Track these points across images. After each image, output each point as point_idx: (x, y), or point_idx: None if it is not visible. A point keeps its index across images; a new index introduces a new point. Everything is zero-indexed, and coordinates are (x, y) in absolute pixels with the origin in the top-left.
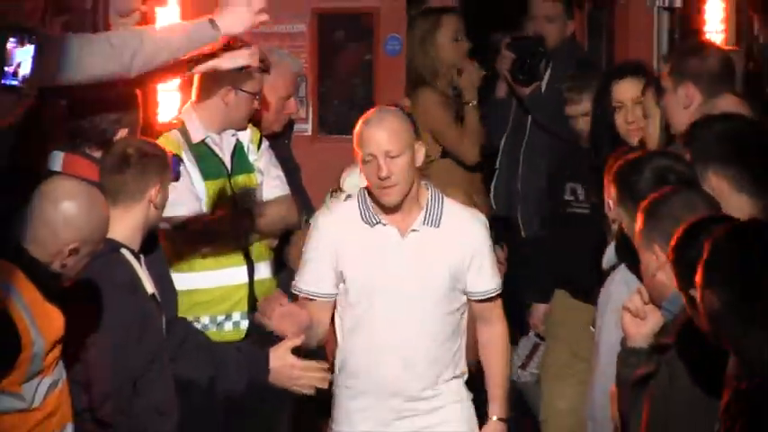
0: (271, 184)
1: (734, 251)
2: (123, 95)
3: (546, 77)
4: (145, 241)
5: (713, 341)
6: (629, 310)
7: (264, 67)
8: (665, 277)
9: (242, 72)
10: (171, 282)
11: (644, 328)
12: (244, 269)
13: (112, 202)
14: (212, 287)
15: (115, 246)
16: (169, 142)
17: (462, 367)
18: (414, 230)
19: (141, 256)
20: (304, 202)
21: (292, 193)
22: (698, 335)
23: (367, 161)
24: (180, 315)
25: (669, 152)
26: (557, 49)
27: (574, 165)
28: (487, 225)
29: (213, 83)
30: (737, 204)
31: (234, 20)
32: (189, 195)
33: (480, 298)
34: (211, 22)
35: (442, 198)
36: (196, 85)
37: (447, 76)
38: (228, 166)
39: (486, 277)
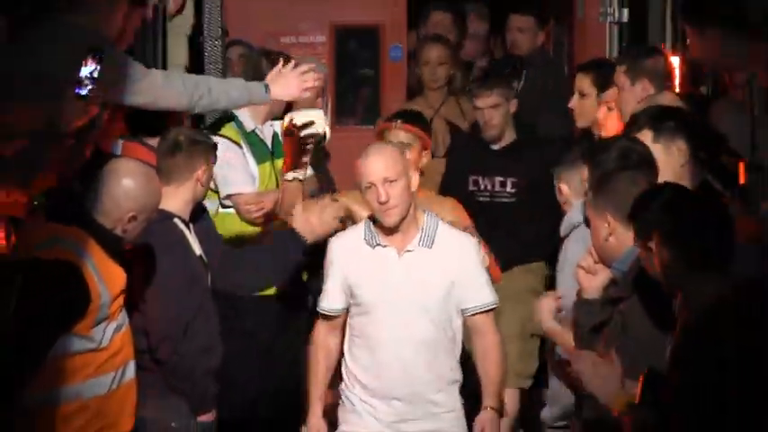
0: None
1: (682, 211)
2: None
3: (521, 84)
4: (194, 212)
5: (663, 283)
6: (582, 268)
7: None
8: (615, 241)
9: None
10: (218, 241)
11: (596, 281)
12: None
13: (166, 180)
14: None
15: (169, 215)
16: (230, 131)
17: (457, 376)
18: (408, 251)
19: (191, 224)
20: (327, 177)
21: (318, 171)
22: (650, 284)
23: (368, 188)
24: None
25: (632, 137)
26: (529, 57)
27: (473, 157)
28: (478, 246)
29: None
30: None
31: (284, 88)
32: (248, 177)
33: (472, 312)
34: (266, 86)
35: (438, 222)
36: None
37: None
38: (271, 151)
39: (476, 293)
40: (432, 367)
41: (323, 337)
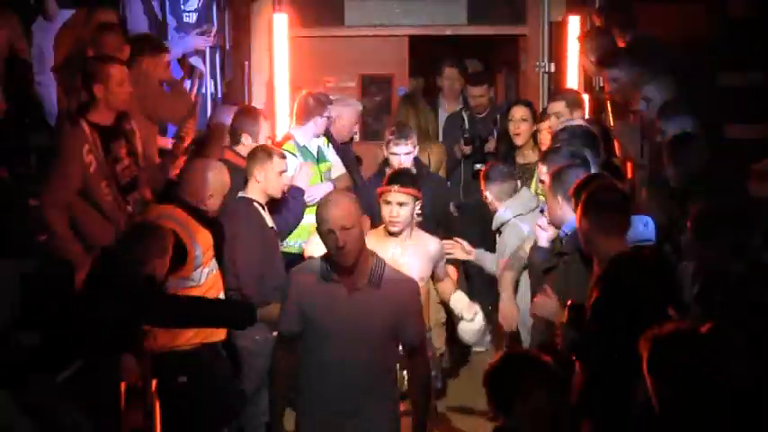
0: (338, 167)
1: (595, 194)
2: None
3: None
4: (270, 201)
5: (583, 245)
6: (539, 226)
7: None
8: (562, 213)
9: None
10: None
11: (548, 234)
12: None
13: (248, 177)
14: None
15: (250, 200)
16: (289, 147)
17: (394, 397)
18: (357, 289)
19: (266, 207)
20: (357, 175)
21: (351, 172)
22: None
23: (327, 234)
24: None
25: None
26: (486, 112)
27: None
28: (418, 288)
29: (307, 114)
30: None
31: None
32: (305, 178)
33: (408, 346)
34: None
35: (384, 264)
36: (296, 115)
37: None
38: (316, 158)
39: (411, 330)
40: (372, 389)
41: (282, 355)
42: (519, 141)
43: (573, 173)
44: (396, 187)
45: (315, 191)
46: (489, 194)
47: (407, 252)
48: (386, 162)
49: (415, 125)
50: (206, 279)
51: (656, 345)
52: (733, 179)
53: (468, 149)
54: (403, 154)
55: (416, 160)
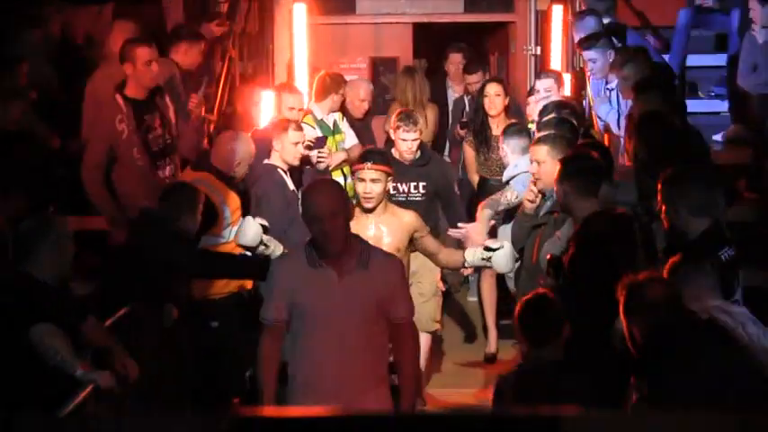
0: (350, 138)
1: (572, 161)
2: None
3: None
4: (292, 168)
5: (561, 206)
6: (527, 199)
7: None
8: (549, 182)
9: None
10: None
11: (535, 202)
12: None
13: (275, 147)
14: None
15: (274, 166)
16: (309, 120)
17: (385, 376)
18: (347, 272)
19: (288, 172)
20: (370, 143)
21: (365, 143)
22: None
23: (313, 221)
24: None
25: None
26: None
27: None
28: (403, 264)
29: (325, 92)
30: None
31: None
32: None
33: (396, 322)
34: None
35: (369, 246)
36: (314, 92)
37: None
38: (332, 130)
39: (401, 306)
40: (364, 370)
41: (269, 344)
42: (492, 112)
43: (565, 143)
44: (368, 164)
45: (332, 156)
46: (506, 147)
47: (383, 226)
48: (391, 144)
49: (412, 94)
50: (234, 237)
51: (632, 289)
52: (698, 146)
53: (464, 133)
54: (411, 140)
55: (422, 144)
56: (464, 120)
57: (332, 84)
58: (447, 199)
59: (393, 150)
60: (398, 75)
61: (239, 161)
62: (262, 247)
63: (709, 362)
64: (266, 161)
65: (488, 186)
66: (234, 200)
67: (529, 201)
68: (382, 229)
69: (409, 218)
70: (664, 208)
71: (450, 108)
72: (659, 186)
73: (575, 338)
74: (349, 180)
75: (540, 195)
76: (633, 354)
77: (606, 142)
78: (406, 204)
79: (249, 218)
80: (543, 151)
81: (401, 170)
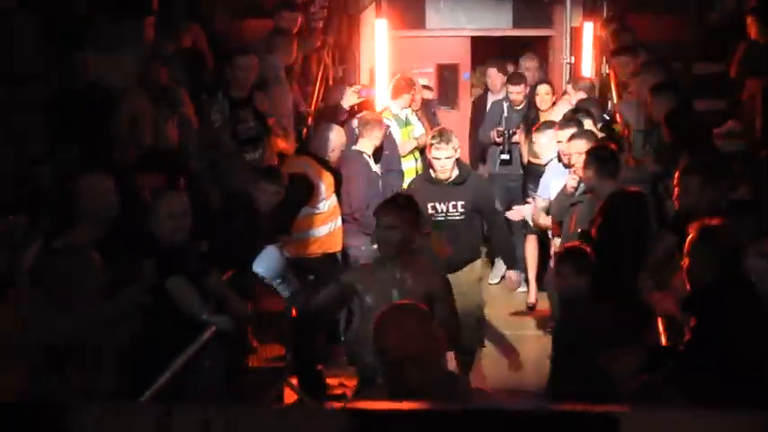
0: (419, 128)
1: (596, 151)
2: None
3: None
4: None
5: (587, 187)
6: (571, 186)
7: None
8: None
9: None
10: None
11: (576, 187)
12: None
13: (362, 136)
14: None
15: (361, 152)
16: (387, 114)
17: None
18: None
19: (372, 157)
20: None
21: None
22: None
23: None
24: None
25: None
26: (522, 105)
27: (425, 191)
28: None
29: (399, 92)
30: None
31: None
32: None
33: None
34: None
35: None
36: (391, 90)
37: None
38: (405, 123)
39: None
40: None
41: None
42: (543, 107)
43: (588, 138)
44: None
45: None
46: (540, 142)
47: (407, 278)
48: (428, 165)
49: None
50: (327, 208)
51: (702, 228)
52: (706, 138)
53: (499, 140)
54: (444, 158)
55: (458, 161)
56: (500, 128)
57: (405, 85)
58: (488, 217)
59: (430, 170)
60: None
61: (333, 148)
62: (278, 280)
63: (756, 319)
64: (354, 147)
65: (533, 168)
66: (328, 179)
67: (572, 187)
68: (405, 281)
69: (436, 280)
70: (677, 192)
71: (488, 108)
72: (677, 174)
73: (600, 284)
74: (419, 163)
75: (579, 179)
76: (689, 289)
77: (627, 133)
78: (446, 224)
79: (271, 247)
80: (582, 144)
81: (439, 190)
